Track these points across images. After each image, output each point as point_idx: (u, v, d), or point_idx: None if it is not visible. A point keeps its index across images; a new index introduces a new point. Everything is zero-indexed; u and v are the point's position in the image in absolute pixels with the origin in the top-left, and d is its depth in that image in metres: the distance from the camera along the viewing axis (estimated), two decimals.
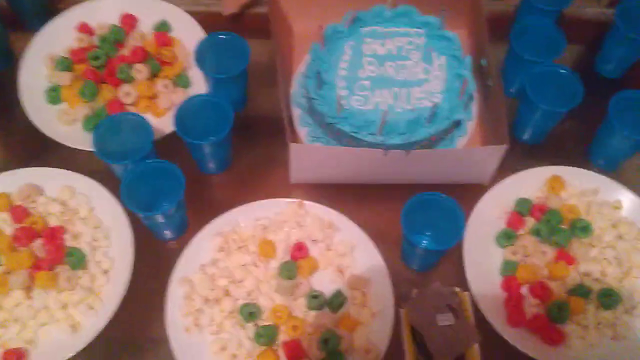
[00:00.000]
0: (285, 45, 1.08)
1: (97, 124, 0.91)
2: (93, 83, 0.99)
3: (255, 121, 1.05)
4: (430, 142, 0.94)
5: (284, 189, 0.97)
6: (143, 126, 0.89)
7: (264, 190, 0.97)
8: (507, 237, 0.88)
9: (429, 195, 0.84)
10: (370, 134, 0.92)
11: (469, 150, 0.96)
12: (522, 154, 0.99)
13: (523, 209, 0.90)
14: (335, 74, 0.97)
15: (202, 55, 0.96)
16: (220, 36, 0.98)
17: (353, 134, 0.93)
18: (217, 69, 0.96)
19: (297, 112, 1.02)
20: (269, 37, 1.00)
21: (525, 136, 1.00)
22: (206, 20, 1.11)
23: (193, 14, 1.11)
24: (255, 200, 0.93)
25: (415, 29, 1.02)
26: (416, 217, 0.83)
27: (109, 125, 0.90)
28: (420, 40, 1.01)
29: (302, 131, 1.00)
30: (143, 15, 1.10)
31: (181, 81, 1.04)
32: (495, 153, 0.89)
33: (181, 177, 0.84)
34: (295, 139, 0.99)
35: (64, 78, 1.01)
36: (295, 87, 1.04)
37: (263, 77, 1.05)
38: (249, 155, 1.02)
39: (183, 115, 0.90)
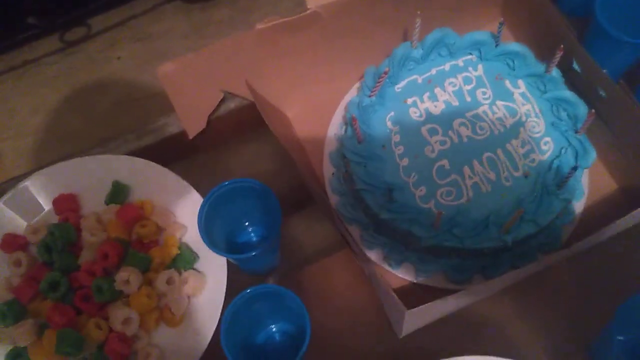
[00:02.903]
0: (292, 141, 0.77)
1: None
2: (72, 332, 0.66)
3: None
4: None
5: None
6: None
7: None
8: None
9: None
10: (490, 238, 0.63)
11: None
12: None
13: None
14: (397, 170, 0.67)
15: (209, 228, 0.64)
16: (223, 190, 0.65)
17: (464, 247, 0.64)
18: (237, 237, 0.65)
19: (356, 232, 0.71)
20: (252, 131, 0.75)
21: None
22: (166, 149, 0.79)
23: (145, 152, 0.77)
24: None
25: (463, 58, 0.72)
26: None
27: None
28: (478, 70, 0.71)
29: (375, 254, 0.70)
30: (83, 186, 0.75)
31: (185, 259, 0.71)
32: None
33: None
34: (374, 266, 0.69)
35: (23, 334, 0.67)
36: (336, 199, 0.73)
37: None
38: None
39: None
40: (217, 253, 0.61)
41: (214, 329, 0.65)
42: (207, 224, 0.62)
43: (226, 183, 0.62)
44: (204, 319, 0.67)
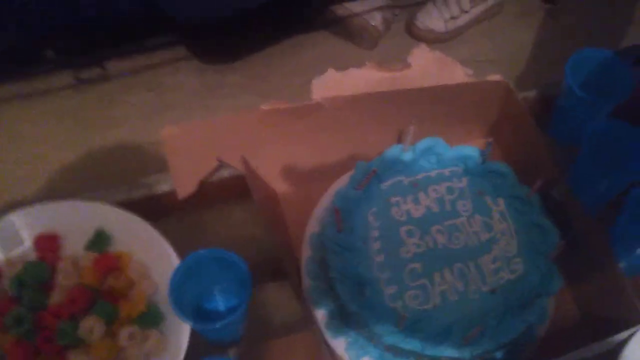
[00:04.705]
0: (276, 218, 0.79)
1: None
2: None
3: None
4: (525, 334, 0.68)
5: None
6: None
7: None
8: None
9: None
10: (450, 348, 0.65)
11: None
12: None
13: None
14: (371, 265, 0.69)
15: (178, 293, 0.65)
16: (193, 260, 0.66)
17: (423, 353, 0.65)
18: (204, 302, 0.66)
19: (322, 318, 0.73)
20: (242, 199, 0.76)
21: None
22: (155, 206, 0.80)
23: (133, 205, 0.79)
24: None
25: (450, 168, 0.75)
26: None
27: None
28: (462, 182, 0.75)
29: (338, 343, 0.71)
30: (67, 229, 0.77)
31: (151, 318, 0.72)
32: None
33: None
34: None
35: None
36: (308, 282, 0.75)
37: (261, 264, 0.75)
38: None
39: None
40: (183, 320, 0.62)
41: None
42: (178, 289, 0.63)
43: (202, 252, 0.64)
44: None
